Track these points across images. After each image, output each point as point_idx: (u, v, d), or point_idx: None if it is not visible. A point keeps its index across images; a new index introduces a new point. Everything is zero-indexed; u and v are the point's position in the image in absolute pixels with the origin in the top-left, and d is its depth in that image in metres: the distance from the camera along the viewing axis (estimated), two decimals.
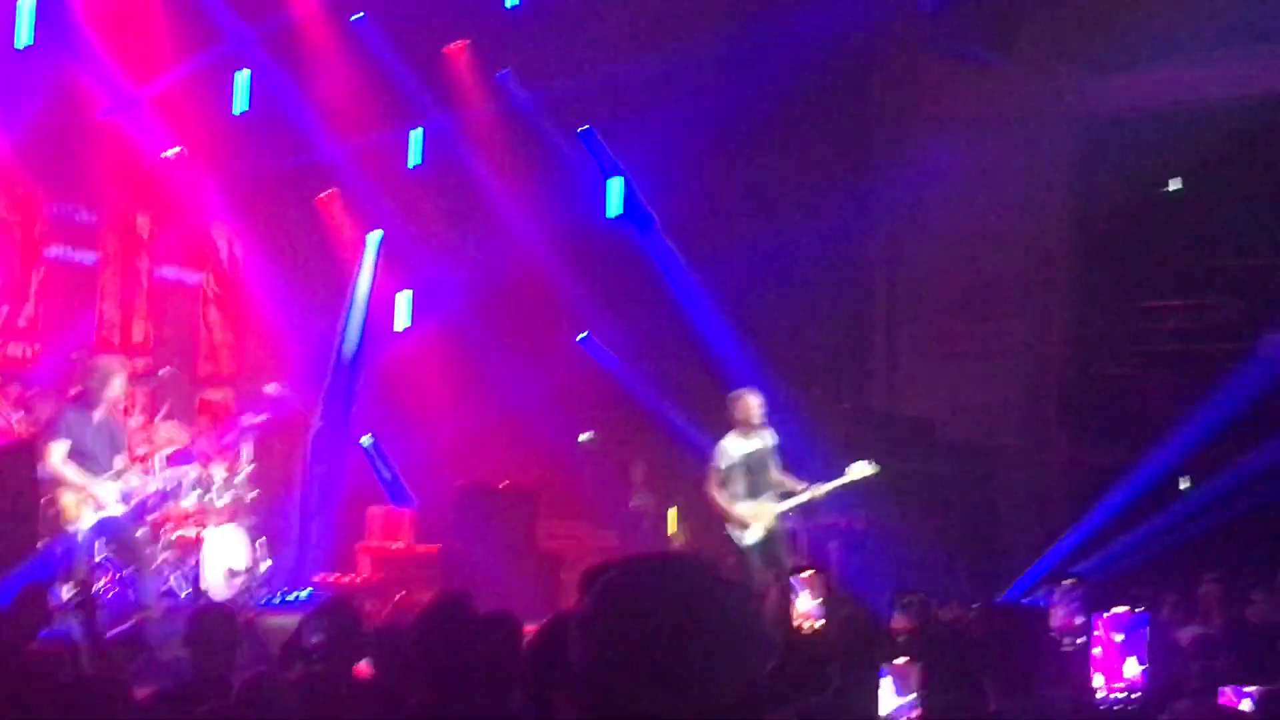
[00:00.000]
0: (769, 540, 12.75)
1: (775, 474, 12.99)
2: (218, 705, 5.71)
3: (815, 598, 4.70)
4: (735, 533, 12.66)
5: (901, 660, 4.68)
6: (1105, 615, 4.61)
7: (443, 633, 5.23)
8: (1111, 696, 4.55)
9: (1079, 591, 5.06)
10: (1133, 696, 4.41)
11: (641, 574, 2.22)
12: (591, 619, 2.20)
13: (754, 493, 12.75)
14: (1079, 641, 5.03)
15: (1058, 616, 5.02)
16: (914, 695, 4.66)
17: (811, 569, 4.86)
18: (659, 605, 2.16)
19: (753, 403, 12.90)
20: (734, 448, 12.79)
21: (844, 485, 13.24)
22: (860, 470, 13.11)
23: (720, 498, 12.68)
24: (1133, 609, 4.56)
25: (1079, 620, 5.03)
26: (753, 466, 12.81)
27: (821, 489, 13.02)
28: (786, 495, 12.87)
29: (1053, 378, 19.28)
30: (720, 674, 2.14)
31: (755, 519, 12.61)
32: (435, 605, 5.59)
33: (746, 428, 12.85)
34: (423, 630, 5.34)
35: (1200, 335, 18.33)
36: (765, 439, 12.97)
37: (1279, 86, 17.69)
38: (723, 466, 12.74)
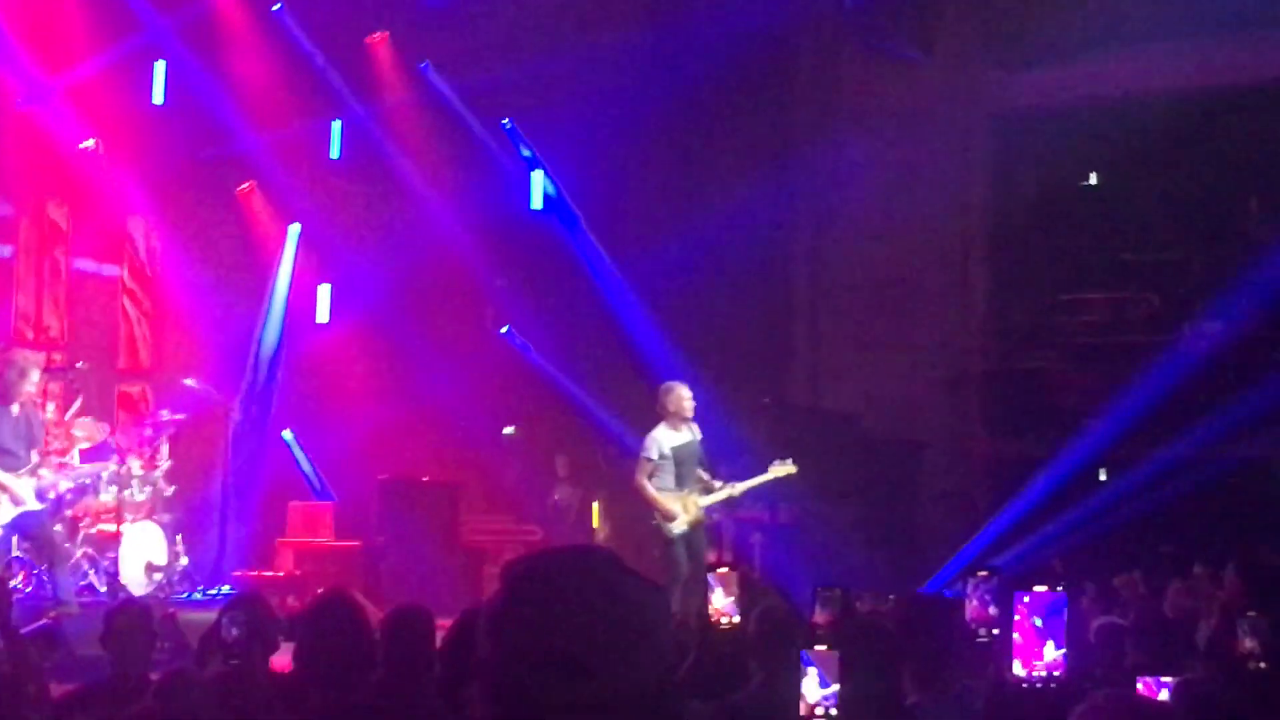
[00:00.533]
0: (693, 533, 12.75)
1: (699, 469, 12.99)
2: (135, 702, 5.65)
3: (729, 595, 4.72)
4: (663, 525, 12.63)
5: (823, 647, 4.69)
6: (1025, 599, 4.64)
7: (324, 630, 5.23)
8: (1034, 675, 4.58)
9: (992, 583, 5.09)
10: (1054, 675, 4.45)
11: (549, 569, 2.21)
12: (499, 614, 2.19)
13: (680, 485, 12.74)
14: (994, 633, 5.08)
15: (971, 608, 5.06)
16: (838, 685, 4.68)
17: (726, 566, 4.87)
18: (566, 601, 2.16)
19: (685, 395, 12.86)
20: (665, 439, 12.75)
21: (762, 484, 13.26)
22: (779, 470, 13.13)
23: (649, 488, 12.65)
24: (1052, 588, 4.60)
25: (993, 611, 5.07)
26: (681, 459, 12.78)
27: (739, 487, 13.04)
28: (707, 490, 12.88)
29: (972, 371, 19.43)
30: (627, 669, 2.14)
31: (682, 511, 12.61)
32: (317, 604, 5.59)
33: (677, 420, 12.82)
34: (305, 629, 5.34)
35: (1118, 328, 18.52)
36: (694, 432, 12.96)
37: (1195, 82, 17.90)
38: (654, 457, 12.70)
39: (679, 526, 12.58)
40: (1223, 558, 12.11)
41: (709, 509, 12.93)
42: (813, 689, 4.61)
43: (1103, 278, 18.91)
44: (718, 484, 12.91)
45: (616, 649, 2.14)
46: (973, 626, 5.06)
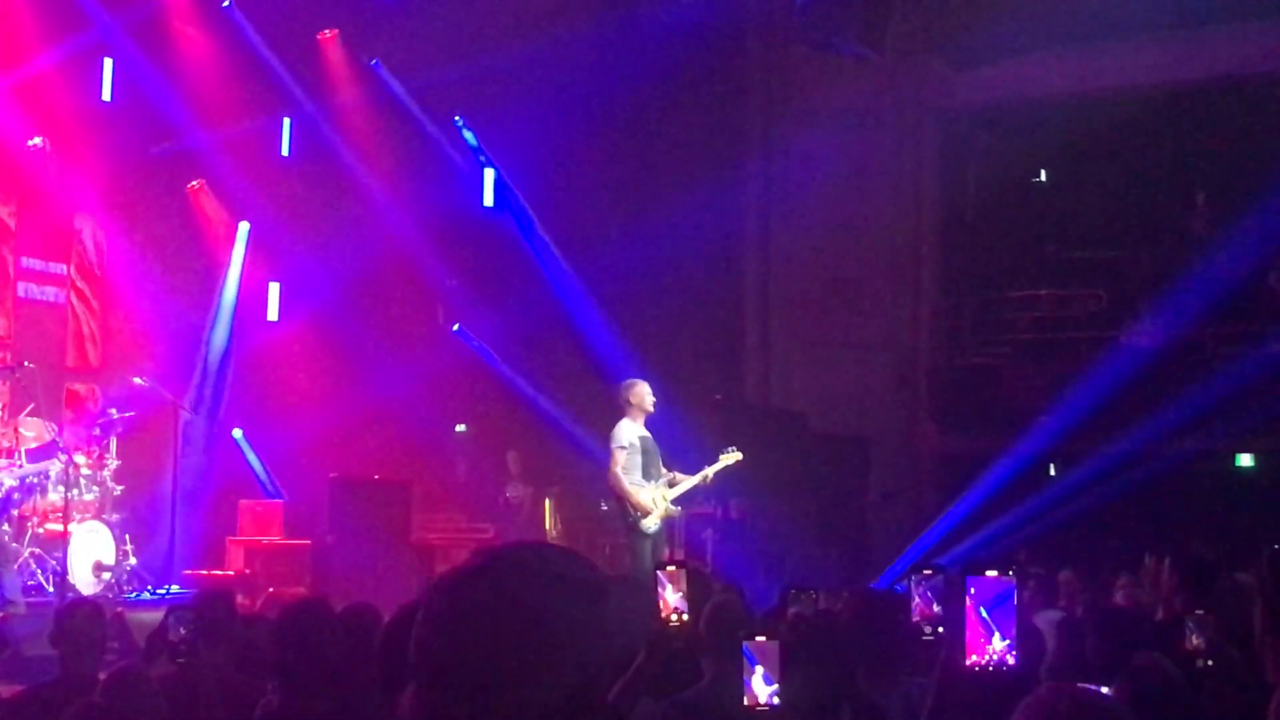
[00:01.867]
0: (662, 528, 12.73)
1: (661, 465, 12.97)
2: (82, 701, 5.62)
3: (678, 591, 4.74)
4: (641, 521, 12.56)
5: (761, 638, 4.69)
6: (972, 589, 4.66)
7: (300, 635, 5.19)
8: (986, 659, 4.62)
9: (936, 581, 5.12)
10: (1009, 661, 4.49)
11: (469, 580, 2.18)
12: (427, 623, 2.17)
13: (646, 478, 12.72)
14: (939, 631, 5.11)
15: (916, 606, 5.08)
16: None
17: (675, 564, 4.90)
18: (481, 615, 2.14)
19: (648, 390, 12.85)
20: (631, 431, 12.74)
21: (718, 471, 13.23)
22: (727, 458, 13.11)
23: (624, 481, 12.58)
24: (1003, 573, 4.63)
25: (937, 609, 5.10)
26: (646, 449, 12.78)
27: (708, 473, 13.01)
28: (670, 485, 12.85)
29: (921, 367, 19.52)
30: (545, 681, 2.13)
31: (653, 506, 12.58)
32: (294, 607, 5.54)
33: (638, 413, 12.81)
34: (280, 632, 5.30)
35: (1065, 324, 18.66)
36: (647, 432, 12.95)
37: (1142, 80, 18.04)
38: (625, 445, 12.66)
39: (653, 523, 12.55)
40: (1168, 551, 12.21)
41: (676, 501, 12.92)
42: (760, 685, 4.61)
43: (1051, 274, 19.04)
44: (677, 476, 12.88)
45: (531, 664, 2.12)
46: (920, 623, 5.09)
